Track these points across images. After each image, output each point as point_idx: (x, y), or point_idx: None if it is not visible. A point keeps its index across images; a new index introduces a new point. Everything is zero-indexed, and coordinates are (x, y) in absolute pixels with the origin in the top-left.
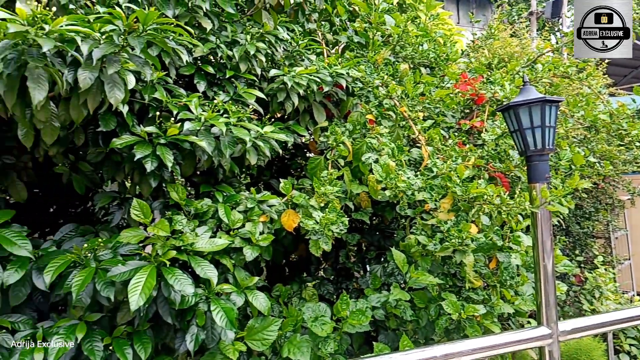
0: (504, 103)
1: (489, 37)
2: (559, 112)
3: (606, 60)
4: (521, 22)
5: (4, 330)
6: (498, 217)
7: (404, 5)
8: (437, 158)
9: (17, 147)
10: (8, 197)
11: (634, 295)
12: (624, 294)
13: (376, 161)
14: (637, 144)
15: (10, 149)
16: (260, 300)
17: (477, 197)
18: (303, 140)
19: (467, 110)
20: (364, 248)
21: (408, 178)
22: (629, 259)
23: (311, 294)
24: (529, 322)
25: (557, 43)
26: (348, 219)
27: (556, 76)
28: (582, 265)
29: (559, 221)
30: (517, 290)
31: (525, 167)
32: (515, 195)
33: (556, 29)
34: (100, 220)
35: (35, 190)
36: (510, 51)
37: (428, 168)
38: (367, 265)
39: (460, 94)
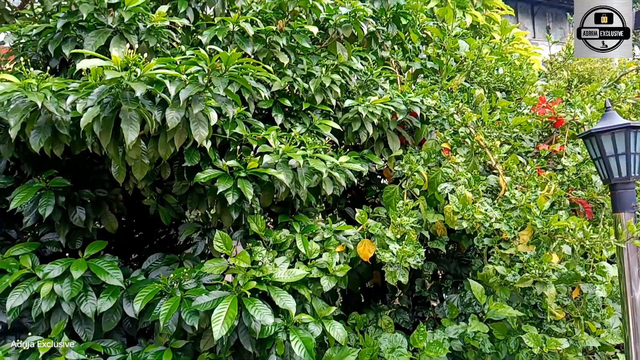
0: (585, 127)
1: (568, 58)
2: None
3: None
4: None
5: (97, 355)
6: (581, 250)
7: (477, 27)
8: (515, 188)
9: (108, 181)
10: (99, 226)
11: None
12: None
13: (452, 191)
14: None
15: (103, 183)
16: (337, 331)
17: (558, 230)
18: (377, 168)
19: (546, 134)
20: (440, 276)
21: (485, 210)
22: None
23: (387, 322)
24: (615, 356)
25: None
26: (424, 249)
27: None
28: None
29: None
30: (603, 322)
31: (610, 194)
32: (599, 227)
33: None
34: (181, 246)
35: (122, 219)
36: (591, 67)
37: (506, 199)
38: (444, 294)
39: (537, 118)
